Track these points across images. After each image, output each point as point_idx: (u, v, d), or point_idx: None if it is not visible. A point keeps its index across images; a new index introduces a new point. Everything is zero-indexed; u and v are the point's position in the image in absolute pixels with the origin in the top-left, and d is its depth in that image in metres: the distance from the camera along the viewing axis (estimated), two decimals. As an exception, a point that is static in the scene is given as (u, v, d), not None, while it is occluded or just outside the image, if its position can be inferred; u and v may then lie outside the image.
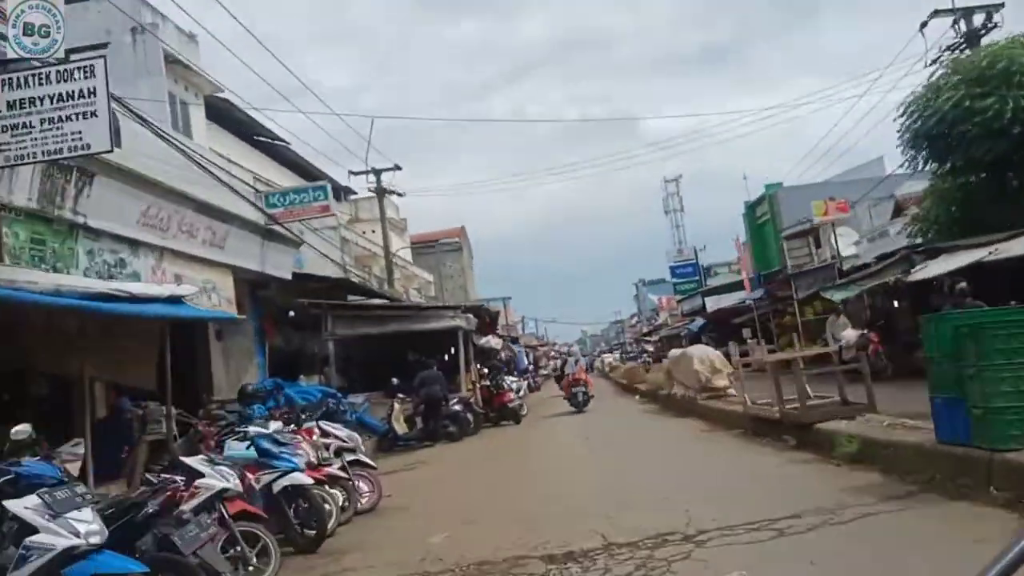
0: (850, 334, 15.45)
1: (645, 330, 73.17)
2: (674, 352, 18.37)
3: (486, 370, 19.89)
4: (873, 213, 24.64)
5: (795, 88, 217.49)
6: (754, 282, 31.34)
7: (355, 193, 31.30)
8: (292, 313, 16.97)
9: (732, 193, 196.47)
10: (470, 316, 19.34)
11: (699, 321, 31.63)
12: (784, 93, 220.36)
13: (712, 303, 34.12)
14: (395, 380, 15.58)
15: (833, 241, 24.34)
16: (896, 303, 17.14)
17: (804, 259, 29.46)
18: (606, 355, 54.79)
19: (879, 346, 14.61)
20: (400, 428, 14.57)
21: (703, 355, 15.08)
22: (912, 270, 13.78)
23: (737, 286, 33.66)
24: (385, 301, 20.83)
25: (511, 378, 20.76)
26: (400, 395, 15.03)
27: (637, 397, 23.27)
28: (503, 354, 26.78)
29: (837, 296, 16.67)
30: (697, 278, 48.42)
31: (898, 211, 21.47)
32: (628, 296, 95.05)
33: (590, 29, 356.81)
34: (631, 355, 53.16)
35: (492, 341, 24.50)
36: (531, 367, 38.39)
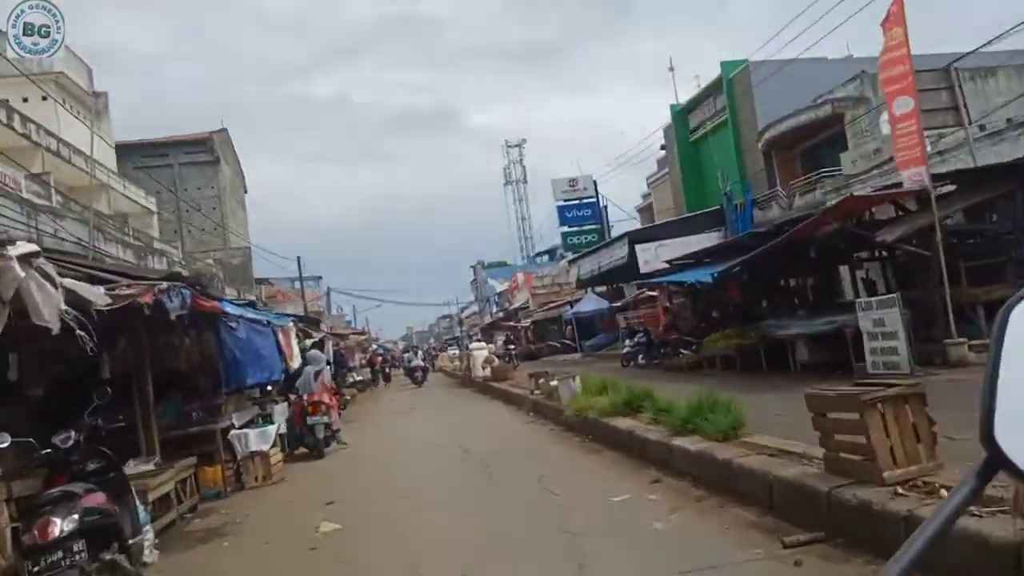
0: None
1: (490, 319, 61.76)
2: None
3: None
4: None
5: (614, 91, 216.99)
6: (735, 217, 21.11)
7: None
8: None
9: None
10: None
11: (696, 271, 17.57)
12: (604, 96, 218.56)
13: (652, 252, 22.84)
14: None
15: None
16: None
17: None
18: (475, 347, 29.97)
19: None
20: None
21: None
22: None
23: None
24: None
25: None
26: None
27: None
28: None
29: None
30: (598, 225, 35.63)
31: None
32: (463, 288, 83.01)
33: (415, 17, 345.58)
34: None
35: None
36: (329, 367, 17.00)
